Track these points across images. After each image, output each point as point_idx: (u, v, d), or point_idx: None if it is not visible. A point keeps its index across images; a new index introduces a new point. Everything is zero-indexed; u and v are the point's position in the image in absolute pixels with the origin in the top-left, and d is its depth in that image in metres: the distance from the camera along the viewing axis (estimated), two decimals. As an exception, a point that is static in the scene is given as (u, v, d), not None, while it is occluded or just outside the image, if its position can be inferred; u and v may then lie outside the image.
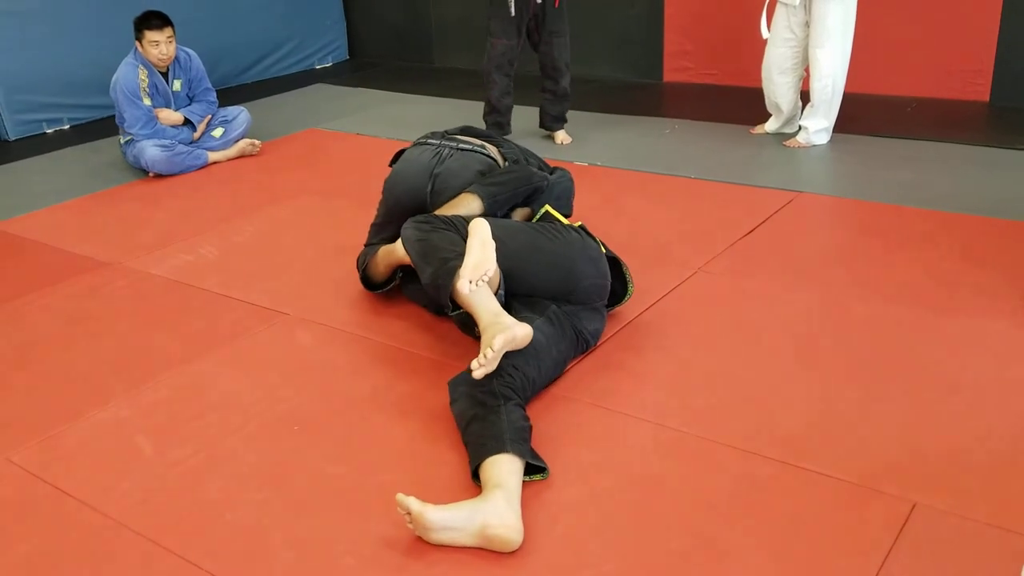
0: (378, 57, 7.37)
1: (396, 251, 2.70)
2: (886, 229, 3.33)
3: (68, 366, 2.71)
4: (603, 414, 2.28)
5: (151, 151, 4.46)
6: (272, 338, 2.80)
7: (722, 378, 2.41)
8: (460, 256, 2.32)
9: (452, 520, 1.80)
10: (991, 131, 4.52)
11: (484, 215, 2.61)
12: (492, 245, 2.31)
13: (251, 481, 2.10)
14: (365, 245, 3.04)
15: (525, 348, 2.21)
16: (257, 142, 4.87)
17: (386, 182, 2.95)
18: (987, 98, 4.89)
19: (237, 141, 4.82)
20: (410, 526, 1.83)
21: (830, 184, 3.92)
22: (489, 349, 2.08)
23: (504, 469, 1.92)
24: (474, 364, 2.09)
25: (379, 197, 2.99)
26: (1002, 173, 3.84)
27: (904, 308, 2.72)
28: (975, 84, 4.90)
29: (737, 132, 4.70)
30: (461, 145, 2.91)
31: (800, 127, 4.41)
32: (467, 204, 2.69)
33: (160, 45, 4.47)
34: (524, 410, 2.14)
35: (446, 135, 3.01)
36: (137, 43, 4.50)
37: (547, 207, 2.74)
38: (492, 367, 2.11)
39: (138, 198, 4.28)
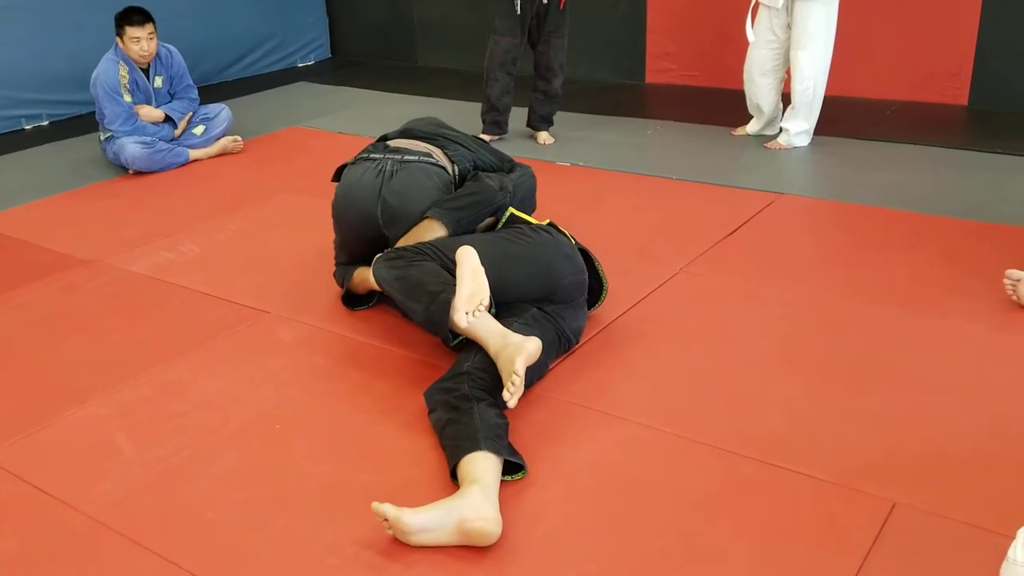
0: (361, 55, 7.35)
1: (371, 280, 2.62)
2: (866, 231, 3.36)
3: (46, 364, 2.68)
4: (585, 413, 2.28)
5: (131, 148, 4.43)
6: (253, 336, 2.78)
7: (704, 378, 2.42)
8: (447, 286, 2.28)
9: (429, 521, 1.80)
10: (969, 134, 4.57)
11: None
12: (482, 272, 2.28)
13: (232, 480, 2.09)
14: (336, 263, 2.95)
15: None
16: (239, 139, 4.85)
17: (333, 207, 2.80)
18: (965, 102, 4.94)
19: (218, 139, 4.79)
20: (389, 532, 1.83)
21: (811, 186, 3.95)
22: (514, 375, 2.08)
23: (479, 466, 1.92)
24: (506, 395, 2.09)
25: None
26: (980, 176, 3.88)
27: (884, 309, 2.74)
28: (953, 88, 4.95)
29: (719, 133, 4.72)
30: (406, 157, 2.74)
31: (781, 129, 4.44)
32: (431, 232, 2.58)
33: (141, 41, 4.44)
34: (500, 409, 2.14)
35: (387, 146, 2.82)
36: (118, 39, 4.47)
37: (511, 210, 2.69)
38: (521, 391, 2.11)
39: (118, 195, 4.25)
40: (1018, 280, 2.67)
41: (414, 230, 2.62)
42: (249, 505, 2.00)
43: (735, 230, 3.40)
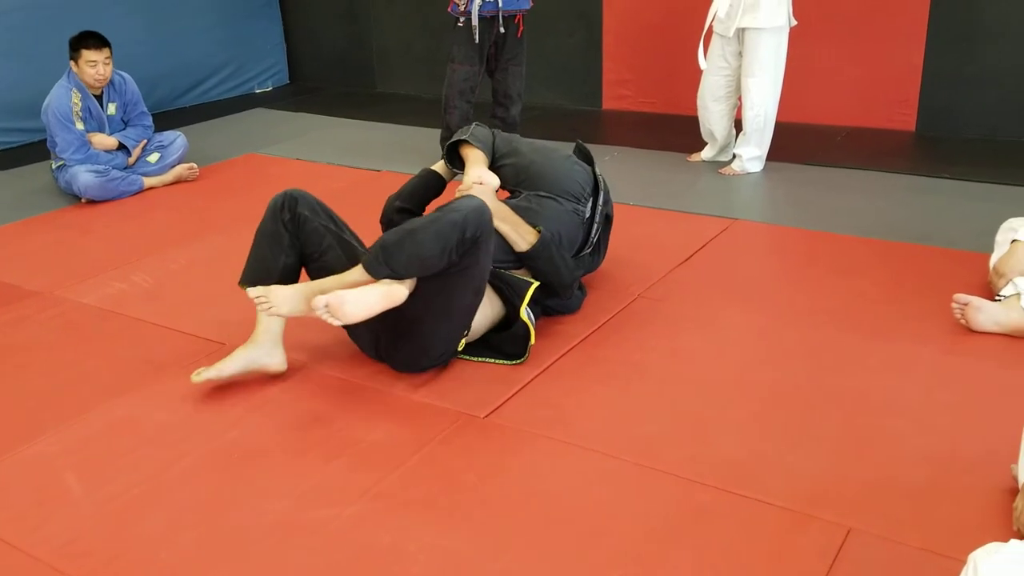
0: (319, 82, 7.34)
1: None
2: (818, 255, 3.41)
3: (-7, 400, 2.62)
4: (543, 442, 2.28)
5: (84, 176, 4.36)
6: (208, 369, 2.74)
7: (662, 405, 2.44)
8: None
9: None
10: (918, 160, 4.67)
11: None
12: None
13: (186, 518, 2.05)
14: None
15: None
16: (195, 167, 4.80)
17: None
18: (913, 127, 5.06)
19: (174, 166, 4.74)
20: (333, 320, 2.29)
21: (764, 211, 4.01)
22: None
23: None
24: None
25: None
26: (928, 201, 3.97)
27: (836, 333, 2.78)
28: (902, 115, 5.07)
29: (674, 160, 4.78)
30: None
31: (734, 155, 4.51)
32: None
33: (97, 65, 4.39)
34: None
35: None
36: (72, 63, 4.41)
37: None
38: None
39: (70, 225, 4.18)
40: (966, 304, 2.73)
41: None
42: (203, 544, 1.96)
43: (692, 255, 3.43)
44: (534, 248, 2.77)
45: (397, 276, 2.40)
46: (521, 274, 2.79)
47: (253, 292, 2.45)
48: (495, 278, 2.69)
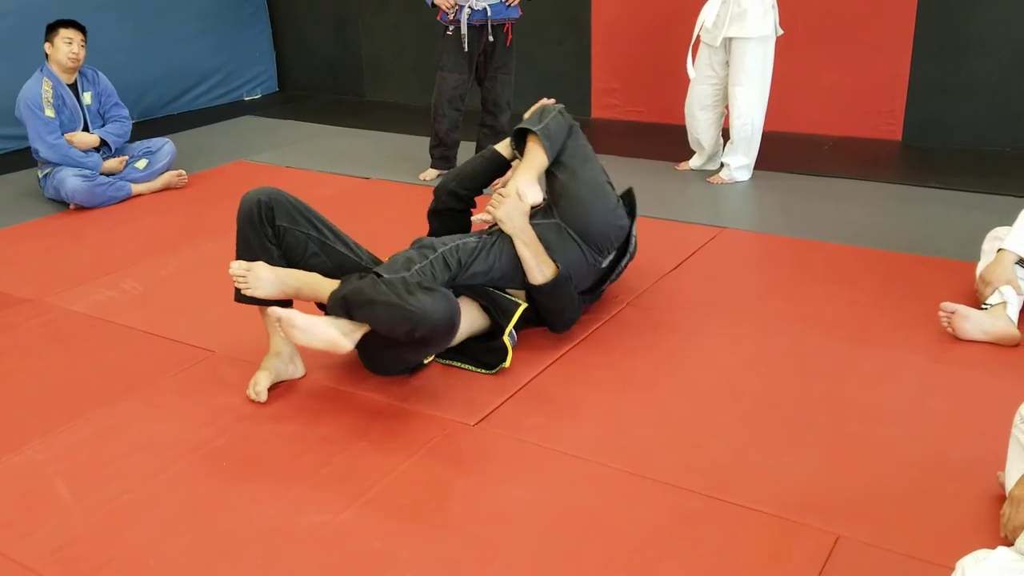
0: (308, 89, 7.34)
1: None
2: (807, 264, 3.43)
3: (-19, 408, 2.61)
4: (533, 450, 2.28)
5: (71, 181, 4.35)
6: (197, 376, 2.73)
7: (651, 413, 2.44)
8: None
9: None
10: (904, 169, 4.71)
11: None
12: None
13: (175, 525, 2.04)
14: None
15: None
16: (183, 174, 4.79)
17: None
18: (900, 137, 5.10)
19: (162, 173, 4.73)
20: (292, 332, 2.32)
21: (752, 220, 4.03)
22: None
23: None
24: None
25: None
26: (915, 210, 4.00)
27: (824, 341, 2.80)
28: (888, 124, 5.12)
29: (663, 168, 4.80)
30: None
31: (722, 164, 4.54)
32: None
33: (73, 43, 4.43)
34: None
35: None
36: (48, 45, 4.44)
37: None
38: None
39: (57, 232, 4.16)
40: (953, 312, 2.75)
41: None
42: (192, 550, 1.96)
43: (680, 264, 3.45)
44: (548, 283, 2.73)
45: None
46: (515, 292, 2.77)
47: (236, 267, 2.47)
48: (484, 296, 2.69)
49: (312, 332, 2.35)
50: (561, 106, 2.95)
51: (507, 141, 2.99)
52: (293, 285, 2.50)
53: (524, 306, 2.70)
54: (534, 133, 2.79)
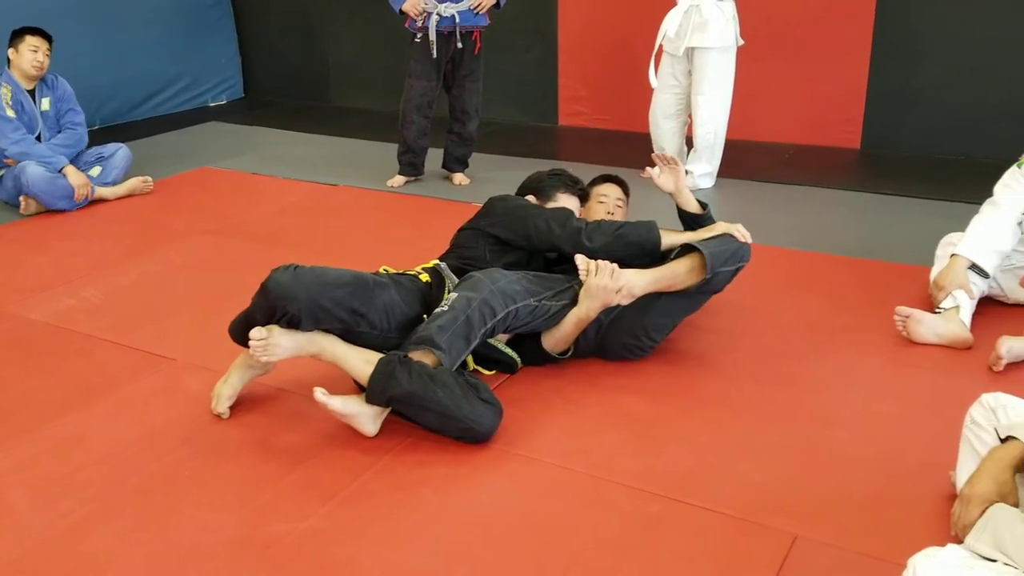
0: (274, 95, 7.31)
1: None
2: (767, 270, 3.47)
3: (-63, 418, 2.57)
4: (498, 455, 2.30)
5: (33, 168, 4.29)
6: (158, 385, 2.72)
7: (613, 417, 2.47)
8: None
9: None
10: (862, 177, 4.80)
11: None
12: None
13: (135, 536, 2.03)
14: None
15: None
16: (149, 180, 4.75)
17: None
18: (858, 145, 5.20)
19: (118, 179, 4.67)
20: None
21: (716, 226, 4.07)
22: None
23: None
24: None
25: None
26: (872, 216, 4.07)
27: (783, 345, 2.85)
28: (847, 133, 5.21)
29: (628, 175, 4.80)
30: None
31: (686, 171, 4.58)
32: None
33: (39, 52, 4.41)
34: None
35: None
36: (11, 51, 4.42)
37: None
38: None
39: (17, 239, 4.11)
40: (907, 316, 2.81)
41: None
42: (152, 562, 1.94)
43: (644, 270, 3.48)
44: (552, 354, 2.71)
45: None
46: (499, 339, 2.66)
47: (255, 334, 2.34)
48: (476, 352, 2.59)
49: (347, 418, 2.34)
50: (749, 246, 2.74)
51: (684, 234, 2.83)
52: (312, 351, 2.41)
53: (520, 366, 2.70)
54: (704, 257, 2.58)
